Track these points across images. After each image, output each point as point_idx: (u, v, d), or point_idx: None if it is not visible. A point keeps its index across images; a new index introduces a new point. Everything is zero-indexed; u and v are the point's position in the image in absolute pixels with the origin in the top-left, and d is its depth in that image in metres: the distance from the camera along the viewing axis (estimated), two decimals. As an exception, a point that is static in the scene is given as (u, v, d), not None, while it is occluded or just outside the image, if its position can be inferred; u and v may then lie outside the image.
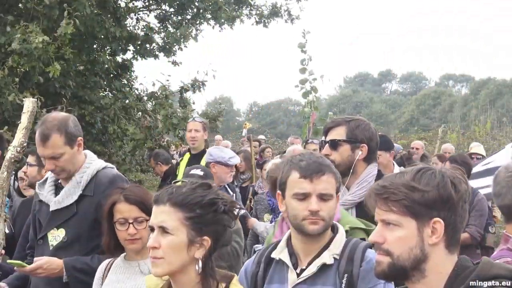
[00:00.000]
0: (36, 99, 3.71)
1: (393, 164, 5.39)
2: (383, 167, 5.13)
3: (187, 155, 6.40)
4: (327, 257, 2.33)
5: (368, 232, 2.78)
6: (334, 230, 2.44)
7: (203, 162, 6.02)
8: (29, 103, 3.60)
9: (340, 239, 2.38)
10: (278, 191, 2.43)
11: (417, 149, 10.26)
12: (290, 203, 2.36)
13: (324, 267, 2.32)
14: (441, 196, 1.73)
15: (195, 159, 6.15)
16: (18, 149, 3.56)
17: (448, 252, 1.77)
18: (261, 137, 16.66)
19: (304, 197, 2.32)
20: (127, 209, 2.83)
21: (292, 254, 2.40)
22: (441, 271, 1.75)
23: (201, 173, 4.69)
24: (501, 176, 2.42)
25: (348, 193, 3.23)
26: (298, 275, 2.35)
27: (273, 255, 2.43)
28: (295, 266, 2.37)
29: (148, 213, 2.08)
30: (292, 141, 10.86)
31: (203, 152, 6.20)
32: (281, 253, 2.41)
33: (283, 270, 2.40)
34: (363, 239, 2.52)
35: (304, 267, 2.35)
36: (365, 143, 3.24)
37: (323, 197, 2.33)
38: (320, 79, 8.76)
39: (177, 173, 6.34)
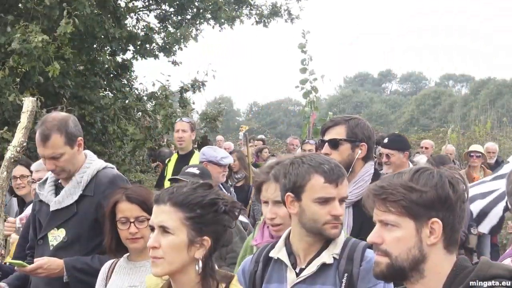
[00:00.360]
0: (35, 99, 3.71)
1: (409, 165, 5.33)
2: (396, 167, 5.10)
3: (175, 156, 6.35)
4: (326, 257, 2.32)
5: None
6: None
7: (192, 163, 6.01)
8: (28, 103, 3.59)
9: (340, 239, 2.38)
10: (290, 193, 2.37)
11: (426, 148, 10.17)
12: (310, 207, 2.32)
13: (323, 267, 2.31)
14: (439, 196, 1.73)
15: (183, 159, 6.10)
16: (18, 148, 3.56)
17: (447, 252, 1.77)
18: (261, 137, 16.62)
19: (326, 201, 2.30)
20: (128, 208, 2.84)
21: (290, 253, 2.39)
22: (439, 271, 1.76)
23: (197, 171, 4.69)
24: None
25: None
26: (297, 274, 2.34)
27: (271, 254, 2.42)
28: (294, 266, 2.37)
29: (150, 212, 2.08)
30: (291, 141, 10.85)
31: (191, 153, 6.18)
32: (279, 253, 2.40)
33: (281, 270, 2.39)
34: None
35: (303, 267, 2.34)
36: (364, 142, 3.25)
37: (342, 200, 2.34)
38: (320, 79, 8.78)
39: (165, 174, 6.29)
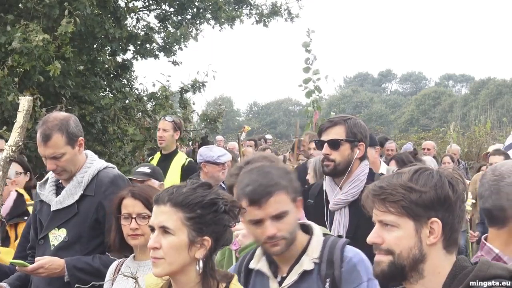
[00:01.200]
0: (31, 98, 3.70)
1: (380, 162, 5.39)
2: (371, 164, 5.18)
3: (158, 155, 6.28)
4: (307, 263, 2.26)
5: None
6: (309, 231, 2.35)
7: (174, 163, 5.99)
8: (24, 102, 3.57)
9: (317, 241, 2.31)
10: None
11: (428, 149, 10.08)
12: (248, 226, 2.27)
13: (305, 273, 2.25)
14: (439, 197, 1.74)
15: (166, 159, 6.07)
16: (14, 148, 3.54)
17: (446, 252, 1.78)
18: (268, 136, 16.59)
19: (257, 222, 2.19)
20: (132, 204, 2.87)
21: (271, 262, 2.32)
22: (439, 271, 1.76)
23: (148, 170, 4.75)
24: (487, 177, 2.36)
25: (341, 192, 3.24)
26: (280, 283, 2.28)
27: (251, 266, 2.35)
28: (276, 274, 2.30)
29: None
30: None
31: (174, 152, 6.13)
32: (259, 263, 2.34)
33: (263, 279, 2.32)
34: None
35: (284, 275, 2.28)
36: (362, 141, 3.26)
37: (277, 217, 2.19)
38: (324, 79, 8.78)
39: None
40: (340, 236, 2.40)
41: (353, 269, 2.22)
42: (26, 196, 4.42)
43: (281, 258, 2.29)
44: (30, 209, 4.27)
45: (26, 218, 4.18)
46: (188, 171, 5.88)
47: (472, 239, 5.88)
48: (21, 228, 4.18)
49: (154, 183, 4.57)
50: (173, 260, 1.97)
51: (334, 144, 3.21)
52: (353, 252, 2.27)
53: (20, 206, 4.21)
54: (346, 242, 2.31)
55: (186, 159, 6.17)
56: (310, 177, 5.38)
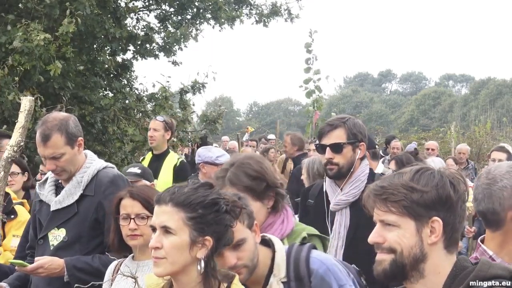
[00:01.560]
0: (33, 98, 3.70)
1: (377, 165, 5.38)
2: None
3: (149, 155, 6.29)
4: (275, 285, 2.24)
5: (323, 240, 2.72)
6: (270, 244, 2.32)
7: (166, 163, 5.99)
8: (26, 102, 3.58)
9: (281, 258, 2.28)
10: None
11: (432, 150, 10.03)
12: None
13: None
14: (440, 196, 1.74)
15: (157, 159, 6.07)
16: (15, 148, 3.54)
17: (447, 252, 1.78)
18: (272, 136, 16.60)
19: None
20: (130, 204, 2.87)
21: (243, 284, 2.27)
22: (439, 271, 1.76)
23: (138, 171, 4.76)
24: (481, 180, 2.37)
25: (341, 193, 3.23)
26: None
27: None
28: None
29: (152, 211, 2.08)
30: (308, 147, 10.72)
31: (166, 152, 6.12)
32: None
33: None
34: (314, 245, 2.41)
35: None
36: (363, 141, 3.25)
37: (235, 246, 2.17)
38: (325, 79, 8.79)
39: None
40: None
41: (322, 281, 2.21)
42: (13, 195, 4.42)
43: (249, 282, 2.26)
44: (16, 207, 4.29)
45: (13, 216, 4.20)
46: (180, 171, 5.88)
47: (468, 234, 5.86)
48: (8, 227, 4.20)
49: (145, 183, 4.56)
50: (175, 260, 1.96)
51: (337, 148, 3.19)
52: (318, 262, 2.25)
53: (6, 205, 4.21)
54: (310, 249, 2.28)
55: (178, 159, 6.16)
56: (304, 179, 5.37)
